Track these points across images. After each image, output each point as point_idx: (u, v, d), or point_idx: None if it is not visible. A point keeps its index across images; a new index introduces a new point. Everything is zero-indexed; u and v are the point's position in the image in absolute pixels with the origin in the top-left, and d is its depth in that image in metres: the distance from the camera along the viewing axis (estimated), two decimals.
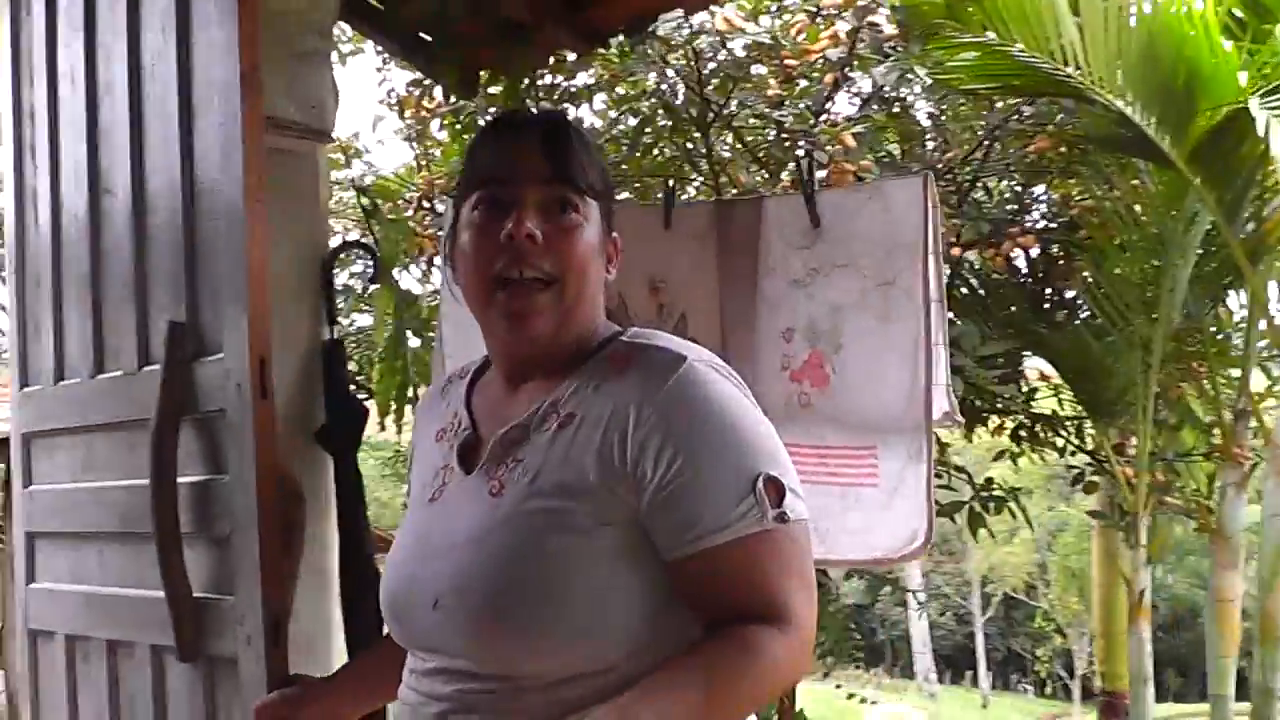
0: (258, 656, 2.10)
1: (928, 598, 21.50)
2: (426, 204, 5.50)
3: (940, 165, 5.06)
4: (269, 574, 2.11)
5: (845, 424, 2.37)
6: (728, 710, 1.18)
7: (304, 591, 2.38)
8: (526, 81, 4.16)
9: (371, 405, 3.36)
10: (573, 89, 4.85)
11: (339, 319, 3.18)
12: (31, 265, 2.74)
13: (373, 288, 4.17)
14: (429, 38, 3.67)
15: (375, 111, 5.76)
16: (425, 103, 5.31)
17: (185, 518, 2.25)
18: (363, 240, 4.32)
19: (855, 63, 4.57)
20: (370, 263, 3.32)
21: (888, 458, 2.29)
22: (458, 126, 5.18)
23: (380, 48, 3.94)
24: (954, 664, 27.34)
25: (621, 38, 4.12)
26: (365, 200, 4.10)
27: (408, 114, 5.48)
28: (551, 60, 4.21)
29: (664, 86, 4.51)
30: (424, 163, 5.80)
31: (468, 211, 1.34)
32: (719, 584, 1.21)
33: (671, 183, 2.94)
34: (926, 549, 2.28)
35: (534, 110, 1.59)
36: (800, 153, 4.21)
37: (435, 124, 5.53)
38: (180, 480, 2.25)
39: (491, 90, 3.98)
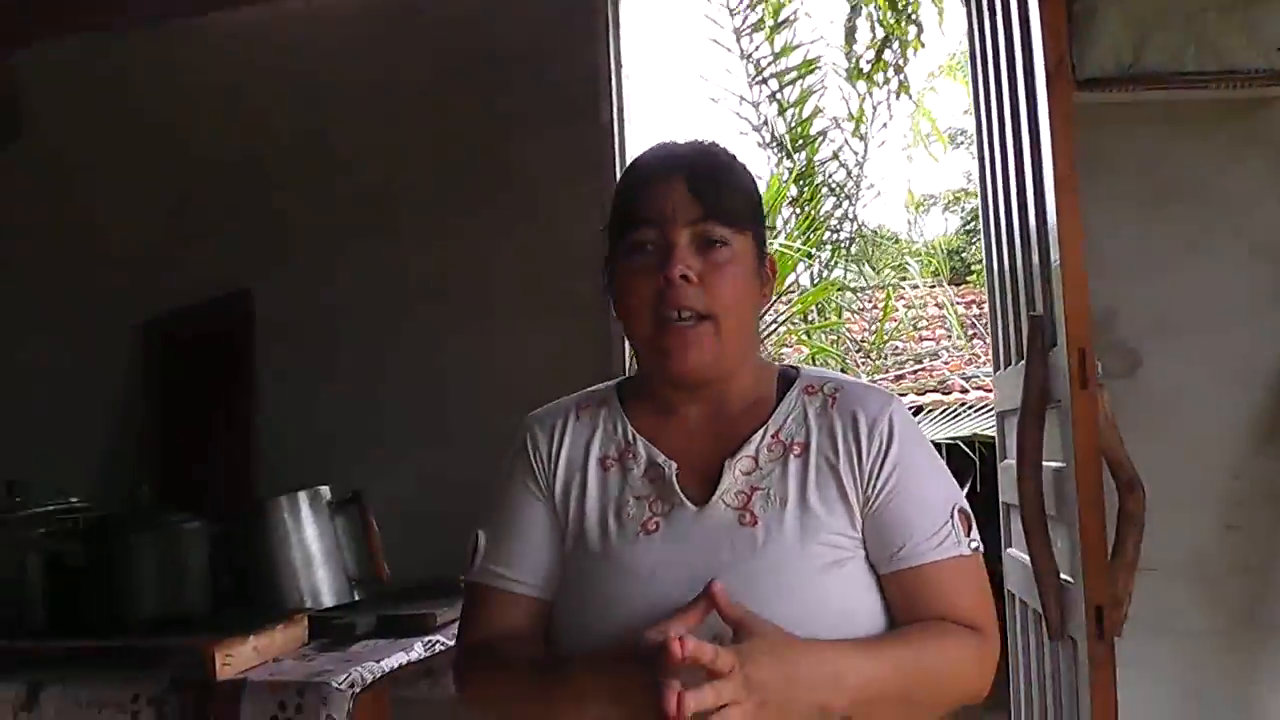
0: (1084, 642, 2.14)
1: None
2: None
3: None
4: (1090, 561, 2.13)
5: None
6: (921, 682, 1.23)
7: None
8: None
9: None
10: None
11: None
12: (991, 262, 3.04)
13: None
14: None
15: None
16: None
17: (1049, 500, 2.35)
18: None
19: None
20: None
21: None
22: None
23: None
24: None
25: None
26: None
27: None
28: None
29: None
30: None
31: (624, 251, 1.34)
32: (923, 597, 1.28)
33: None
34: None
35: (679, 142, 1.35)
36: None
37: None
38: (1046, 464, 2.36)
39: None
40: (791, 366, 1.45)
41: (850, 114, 6.60)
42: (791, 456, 1.32)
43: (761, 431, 1.34)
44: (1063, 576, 2.30)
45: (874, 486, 1.29)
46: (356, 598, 2.46)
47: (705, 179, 1.31)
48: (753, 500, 1.29)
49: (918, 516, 1.29)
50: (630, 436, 1.36)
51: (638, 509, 1.31)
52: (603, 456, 1.35)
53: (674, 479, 1.31)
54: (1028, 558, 2.59)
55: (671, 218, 1.30)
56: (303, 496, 2.49)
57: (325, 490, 2.53)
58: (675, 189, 1.30)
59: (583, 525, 1.33)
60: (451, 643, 2.27)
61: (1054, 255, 2.22)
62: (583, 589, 1.30)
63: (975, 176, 3.16)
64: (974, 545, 1.31)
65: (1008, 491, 2.93)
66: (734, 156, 1.38)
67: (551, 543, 1.35)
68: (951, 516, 1.30)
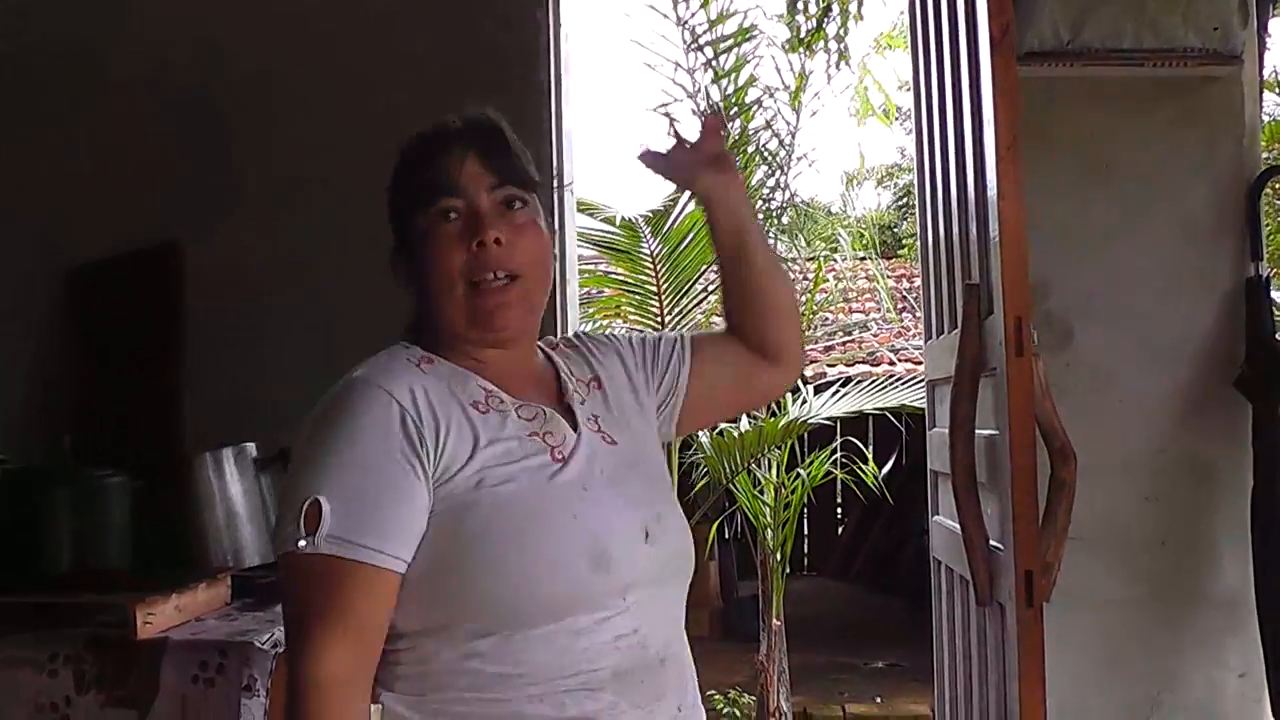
0: (1012, 608, 2.16)
1: None
2: None
3: None
4: (1021, 527, 2.15)
5: None
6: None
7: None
8: None
9: None
10: None
11: (1263, 253, 2.94)
12: (926, 233, 3.07)
13: None
14: None
15: None
16: None
17: (980, 468, 2.37)
18: None
19: None
20: None
21: None
22: None
23: None
24: None
25: None
26: None
27: None
28: None
29: None
30: None
31: (429, 221, 1.38)
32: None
33: None
34: None
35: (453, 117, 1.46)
36: None
37: None
38: (979, 432, 2.39)
39: None
40: None
41: (783, 84, 6.60)
42: (595, 388, 1.49)
43: (565, 375, 1.48)
44: (992, 543, 2.33)
45: (646, 372, 1.54)
46: None
47: (493, 146, 1.41)
48: (600, 425, 1.43)
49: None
50: (483, 385, 1.39)
51: (533, 443, 1.36)
52: (474, 402, 1.36)
53: (555, 413, 1.40)
54: (956, 524, 2.61)
55: (471, 184, 1.38)
56: (228, 453, 2.44)
57: (251, 447, 2.48)
58: (469, 158, 1.39)
59: (482, 466, 1.30)
60: None
61: (993, 224, 2.23)
62: (522, 525, 1.29)
63: (911, 150, 3.17)
64: None
65: (937, 459, 2.95)
66: (505, 123, 1.44)
67: (420, 510, 1.27)
68: None
